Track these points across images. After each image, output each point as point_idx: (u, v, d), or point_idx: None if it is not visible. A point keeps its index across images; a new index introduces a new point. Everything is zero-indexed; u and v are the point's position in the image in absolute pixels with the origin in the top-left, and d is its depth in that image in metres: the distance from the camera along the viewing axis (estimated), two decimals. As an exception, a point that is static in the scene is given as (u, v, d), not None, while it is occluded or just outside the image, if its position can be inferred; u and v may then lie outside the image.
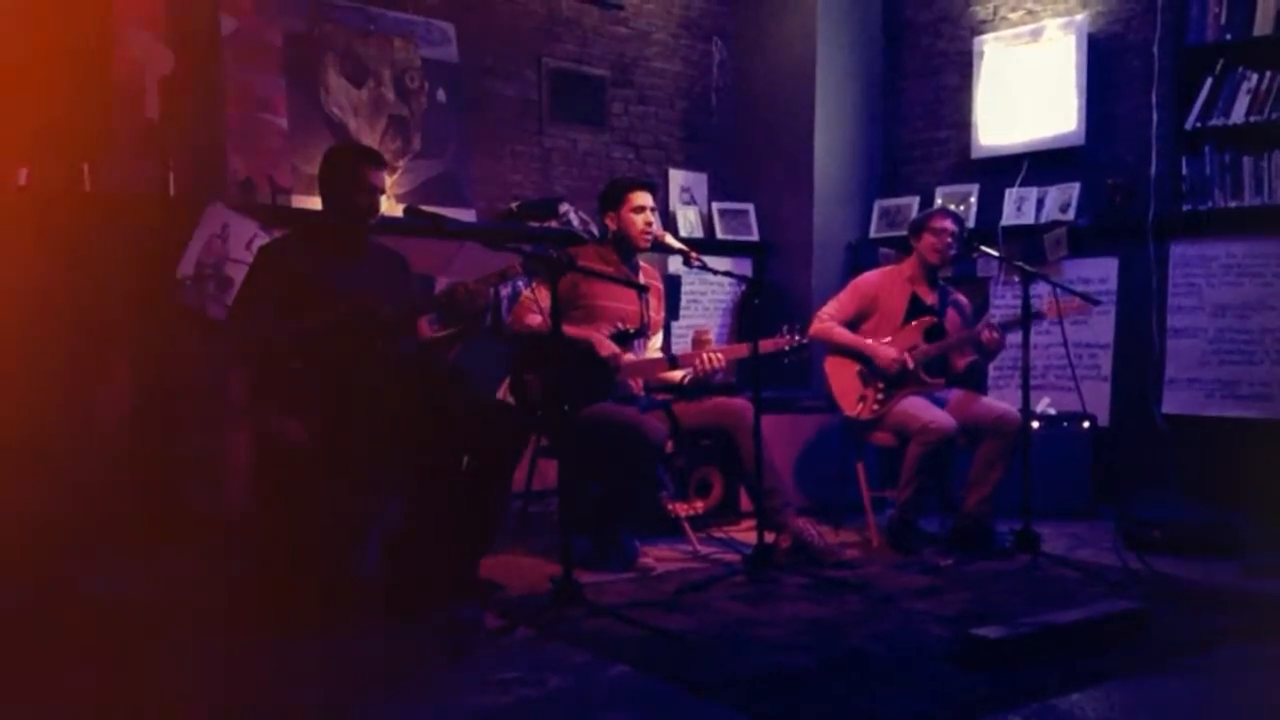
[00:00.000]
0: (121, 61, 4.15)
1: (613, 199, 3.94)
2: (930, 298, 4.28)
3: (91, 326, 3.91)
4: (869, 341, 4.19)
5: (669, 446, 3.89)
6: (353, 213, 3.25)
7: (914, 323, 4.21)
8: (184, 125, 4.25)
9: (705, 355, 3.79)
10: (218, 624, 3.05)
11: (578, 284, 3.81)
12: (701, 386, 3.93)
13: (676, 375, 3.98)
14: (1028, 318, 3.84)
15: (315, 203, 4.41)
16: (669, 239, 4.03)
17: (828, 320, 4.26)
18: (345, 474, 3.08)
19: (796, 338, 3.89)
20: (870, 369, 4.16)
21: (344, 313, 3.13)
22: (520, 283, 4.03)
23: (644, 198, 3.92)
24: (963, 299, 4.44)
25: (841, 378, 4.24)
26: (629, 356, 3.85)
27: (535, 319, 3.74)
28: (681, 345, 5.39)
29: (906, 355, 4.11)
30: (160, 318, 4.03)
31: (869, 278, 4.40)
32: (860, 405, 4.17)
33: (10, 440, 3.68)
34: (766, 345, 3.76)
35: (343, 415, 3.07)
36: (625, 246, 3.96)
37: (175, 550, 3.74)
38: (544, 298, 3.40)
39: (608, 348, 3.76)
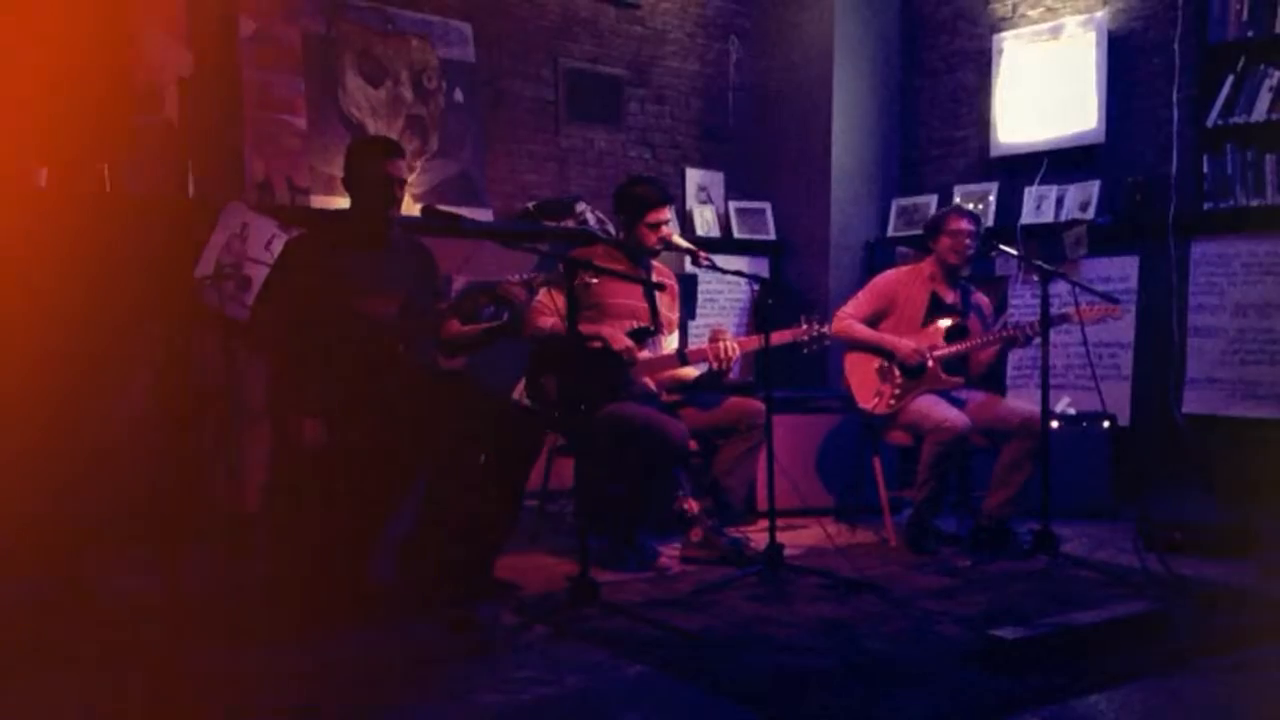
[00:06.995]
0: (141, 63, 4.17)
1: (630, 211, 3.90)
2: (951, 297, 4.26)
3: (111, 327, 3.94)
4: (888, 336, 4.18)
5: (692, 445, 3.88)
6: (375, 204, 3.27)
7: (935, 324, 4.19)
8: (203, 126, 4.28)
9: (721, 345, 3.79)
10: (234, 624, 3.06)
11: (589, 284, 3.80)
12: (716, 381, 3.91)
13: (691, 373, 3.97)
14: (1046, 316, 3.82)
15: (334, 202, 4.45)
16: (677, 238, 4.02)
17: (847, 319, 4.26)
18: (361, 475, 3.09)
19: (817, 327, 3.87)
20: (891, 363, 4.14)
21: (365, 322, 3.15)
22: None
23: (662, 214, 3.88)
24: (984, 300, 4.41)
25: (859, 373, 4.22)
26: (644, 354, 3.85)
27: (547, 321, 3.73)
28: (698, 344, 5.36)
29: (926, 350, 4.10)
30: (179, 318, 4.05)
31: (888, 276, 4.38)
32: (876, 400, 4.15)
33: (30, 441, 3.71)
34: (780, 336, 3.77)
35: (359, 417, 3.08)
36: (637, 252, 3.96)
37: (193, 550, 3.76)
38: (559, 300, 3.42)
39: (622, 341, 3.77)
